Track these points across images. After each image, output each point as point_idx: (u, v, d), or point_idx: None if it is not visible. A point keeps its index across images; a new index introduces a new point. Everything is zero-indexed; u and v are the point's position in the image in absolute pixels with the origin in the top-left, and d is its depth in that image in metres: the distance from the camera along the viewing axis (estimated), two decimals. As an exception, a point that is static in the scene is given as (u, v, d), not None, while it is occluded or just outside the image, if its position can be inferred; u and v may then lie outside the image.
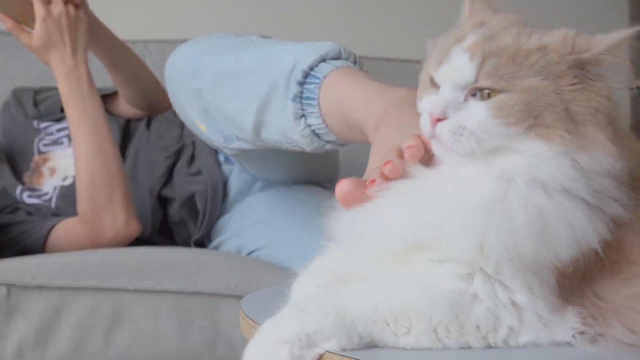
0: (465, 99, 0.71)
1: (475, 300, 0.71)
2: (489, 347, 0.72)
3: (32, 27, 1.59)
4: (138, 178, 1.72)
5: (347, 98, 0.98)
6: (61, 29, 1.58)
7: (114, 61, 1.75)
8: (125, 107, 1.85)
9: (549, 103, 0.69)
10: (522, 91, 0.69)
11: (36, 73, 1.91)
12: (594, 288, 0.72)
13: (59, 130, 1.81)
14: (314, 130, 1.04)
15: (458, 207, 0.70)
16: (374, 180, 0.75)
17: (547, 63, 0.70)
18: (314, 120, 1.03)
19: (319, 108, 1.01)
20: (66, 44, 1.59)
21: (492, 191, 0.70)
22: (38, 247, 1.58)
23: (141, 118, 1.84)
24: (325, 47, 1.04)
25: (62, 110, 1.71)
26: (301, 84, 1.03)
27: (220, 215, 1.65)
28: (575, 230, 0.69)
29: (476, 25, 0.75)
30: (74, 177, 1.62)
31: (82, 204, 1.58)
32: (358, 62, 1.05)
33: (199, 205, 1.64)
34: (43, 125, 1.83)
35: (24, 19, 1.59)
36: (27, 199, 1.72)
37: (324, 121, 1.02)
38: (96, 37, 1.68)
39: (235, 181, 1.64)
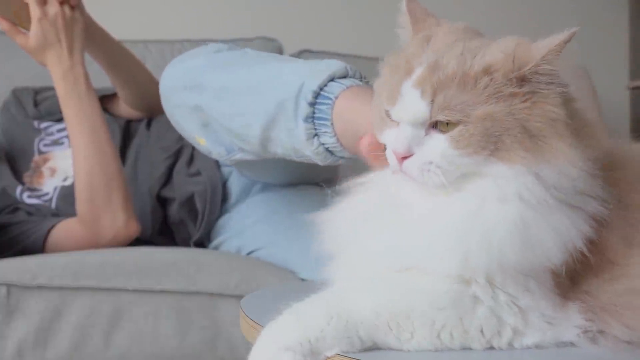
0: (427, 132, 0.73)
1: (477, 301, 0.71)
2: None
3: (28, 29, 1.58)
4: (138, 179, 1.72)
5: (361, 118, 0.99)
6: (57, 29, 1.57)
7: (112, 63, 1.75)
8: (125, 107, 1.85)
9: (504, 127, 0.71)
10: (477, 120, 0.71)
11: (35, 73, 1.90)
12: (582, 287, 0.73)
13: (59, 131, 1.81)
14: (327, 148, 1.05)
15: (437, 231, 0.72)
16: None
17: (496, 86, 0.71)
18: (328, 140, 1.03)
19: (333, 128, 1.02)
20: (62, 45, 1.59)
21: (468, 211, 0.72)
22: (38, 247, 1.57)
23: (141, 119, 1.83)
24: (332, 66, 1.04)
25: (62, 110, 1.71)
26: (312, 104, 1.03)
27: (220, 215, 1.65)
28: (560, 233, 0.71)
29: (422, 41, 0.77)
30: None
31: (81, 204, 1.57)
32: (364, 79, 1.06)
33: (198, 205, 1.64)
34: (43, 125, 1.83)
35: (20, 21, 1.59)
36: (27, 199, 1.72)
37: (338, 140, 1.02)
38: (92, 38, 1.67)
39: (235, 182, 1.64)
